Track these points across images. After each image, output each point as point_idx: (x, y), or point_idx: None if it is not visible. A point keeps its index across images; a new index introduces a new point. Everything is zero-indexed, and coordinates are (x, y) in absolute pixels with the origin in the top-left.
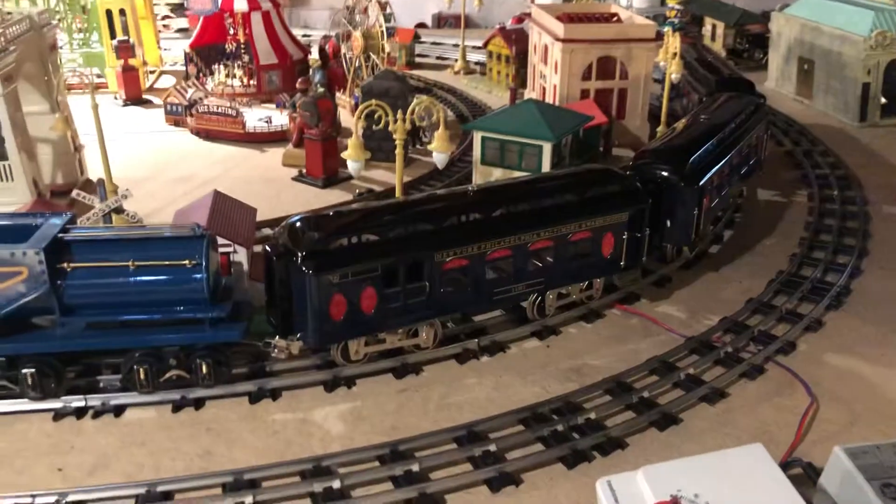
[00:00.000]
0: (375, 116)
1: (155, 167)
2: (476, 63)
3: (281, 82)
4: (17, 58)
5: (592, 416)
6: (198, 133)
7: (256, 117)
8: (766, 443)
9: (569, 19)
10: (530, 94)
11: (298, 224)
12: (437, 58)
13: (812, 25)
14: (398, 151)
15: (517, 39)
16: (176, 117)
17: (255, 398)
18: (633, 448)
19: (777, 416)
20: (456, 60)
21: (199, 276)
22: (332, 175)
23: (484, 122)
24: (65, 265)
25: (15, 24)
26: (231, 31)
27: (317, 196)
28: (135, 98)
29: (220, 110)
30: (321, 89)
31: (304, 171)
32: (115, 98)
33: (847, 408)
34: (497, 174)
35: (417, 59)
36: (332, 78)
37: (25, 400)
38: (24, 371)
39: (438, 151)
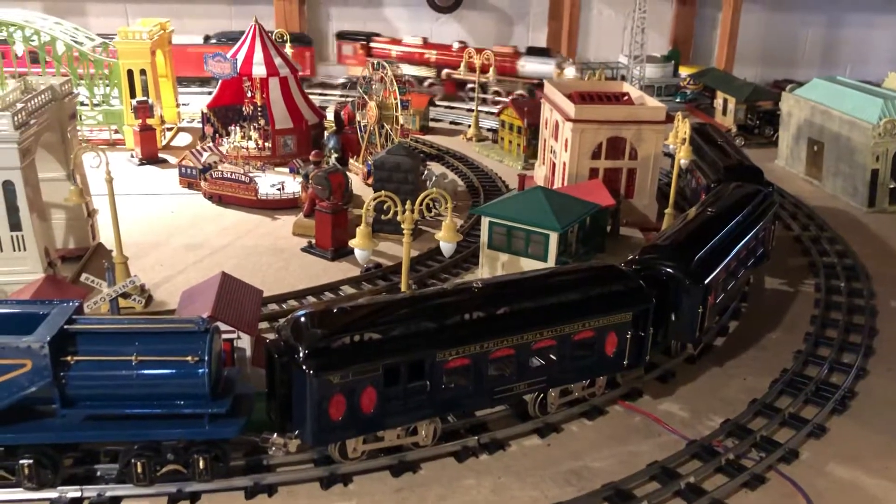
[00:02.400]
0: (385, 206)
1: (166, 231)
2: (489, 130)
3: (296, 146)
4: (38, 129)
5: None
6: (210, 197)
7: (269, 183)
8: None
9: (580, 98)
10: (540, 167)
11: (303, 320)
12: (451, 122)
13: (822, 109)
14: (406, 241)
15: (529, 111)
16: (190, 179)
17: (250, 493)
18: None
19: None
20: (469, 126)
21: (200, 370)
22: (341, 247)
23: (492, 207)
24: (69, 358)
25: (39, 96)
26: (248, 94)
27: (324, 268)
28: (150, 157)
29: (233, 176)
30: (335, 155)
31: (314, 241)
32: (132, 156)
33: None
34: (503, 259)
35: (431, 124)
36: (346, 143)
37: (21, 490)
38: (22, 461)
39: (445, 241)
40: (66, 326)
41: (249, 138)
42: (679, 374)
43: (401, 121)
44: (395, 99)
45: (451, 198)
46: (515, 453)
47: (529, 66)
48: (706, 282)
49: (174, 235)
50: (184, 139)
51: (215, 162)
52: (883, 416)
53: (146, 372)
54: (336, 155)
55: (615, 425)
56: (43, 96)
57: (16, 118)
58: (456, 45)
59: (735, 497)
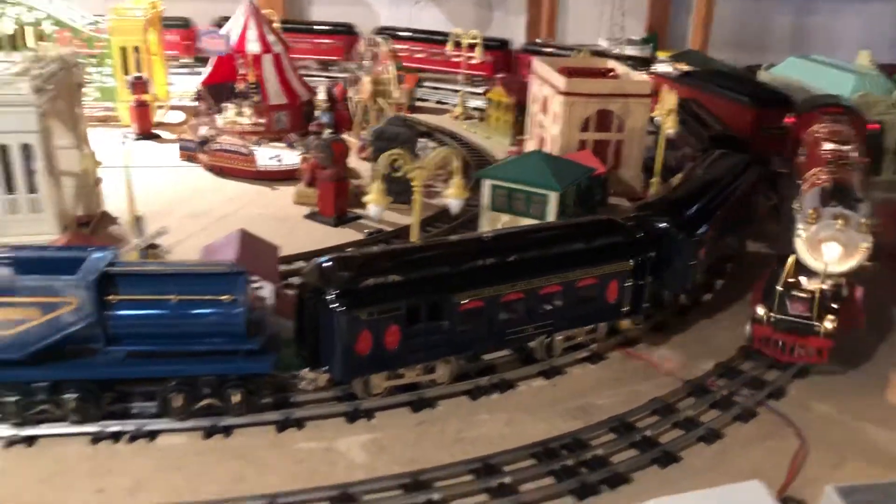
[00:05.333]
0: (396, 164)
1: (170, 202)
2: (474, 109)
3: (289, 122)
4: (51, 97)
5: (599, 452)
6: (210, 169)
7: (267, 156)
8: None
9: (569, 73)
10: (528, 143)
11: (328, 264)
12: (437, 102)
13: (797, 86)
14: (416, 198)
15: (517, 89)
16: (189, 153)
17: (281, 427)
18: (637, 483)
19: (769, 458)
20: (455, 105)
21: (237, 310)
22: (342, 214)
23: (494, 170)
24: (111, 298)
25: (51, 64)
26: (241, 72)
27: (328, 234)
28: (146, 132)
29: (233, 148)
30: (328, 131)
31: (317, 209)
32: (123, 139)
33: (835, 452)
34: (504, 220)
35: (417, 103)
36: (339, 120)
37: (65, 423)
38: (67, 396)
39: (455, 198)
40: (107, 269)
41: (243, 114)
42: (672, 325)
43: (396, 95)
44: (393, 74)
45: (460, 157)
46: (524, 392)
47: None
48: (697, 235)
49: (178, 205)
50: (175, 117)
51: (214, 135)
52: (861, 356)
53: (185, 311)
54: (329, 131)
55: (616, 369)
56: (54, 65)
57: (33, 83)
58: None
59: (729, 428)
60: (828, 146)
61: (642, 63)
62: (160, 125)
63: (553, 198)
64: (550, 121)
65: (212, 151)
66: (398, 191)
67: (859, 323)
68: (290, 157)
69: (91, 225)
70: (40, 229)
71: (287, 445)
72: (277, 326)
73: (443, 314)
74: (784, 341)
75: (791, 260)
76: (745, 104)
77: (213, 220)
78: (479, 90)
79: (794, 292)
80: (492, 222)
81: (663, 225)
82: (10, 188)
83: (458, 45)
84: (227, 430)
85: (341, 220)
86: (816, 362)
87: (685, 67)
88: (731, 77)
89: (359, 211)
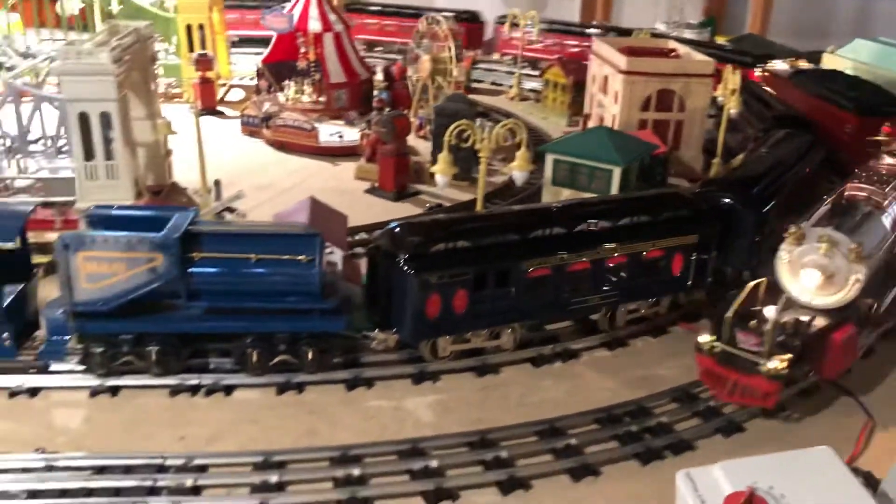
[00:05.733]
0: (464, 135)
1: (236, 174)
2: (530, 90)
3: (348, 100)
4: (128, 67)
5: (663, 419)
6: (273, 144)
7: (328, 132)
8: None
9: (630, 52)
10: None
11: (399, 229)
12: (492, 83)
13: (864, 68)
14: (482, 168)
15: (574, 70)
16: (252, 128)
17: (351, 385)
18: (701, 451)
19: (834, 432)
20: (510, 87)
21: (313, 270)
22: (402, 189)
23: (557, 145)
24: (194, 255)
25: (127, 36)
26: (302, 50)
27: (388, 208)
28: (209, 109)
29: (296, 124)
30: (387, 109)
31: (377, 184)
32: (191, 108)
33: None
34: (566, 195)
35: (472, 84)
36: (397, 98)
37: (146, 376)
38: (149, 348)
39: (519, 170)
40: (190, 228)
41: (303, 92)
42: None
43: (455, 73)
44: (452, 52)
45: (526, 130)
46: (587, 362)
47: None
48: (762, 213)
49: (244, 177)
50: (235, 95)
51: (276, 111)
52: None
53: (264, 270)
54: (388, 109)
55: (677, 343)
56: (129, 37)
57: (113, 54)
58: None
59: (793, 402)
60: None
61: (758, 60)
62: (222, 102)
63: (616, 173)
64: (611, 100)
65: (275, 127)
66: (460, 167)
67: (827, 372)
68: (349, 134)
69: (161, 195)
70: (116, 195)
71: (356, 403)
72: (349, 290)
73: (510, 281)
74: (725, 377)
75: (754, 284)
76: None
77: (277, 192)
78: (535, 72)
79: (752, 321)
80: (554, 197)
81: (728, 201)
82: (88, 155)
83: (514, 26)
84: (299, 387)
85: (401, 194)
86: (761, 406)
87: (804, 65)
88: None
89: (418, 186)
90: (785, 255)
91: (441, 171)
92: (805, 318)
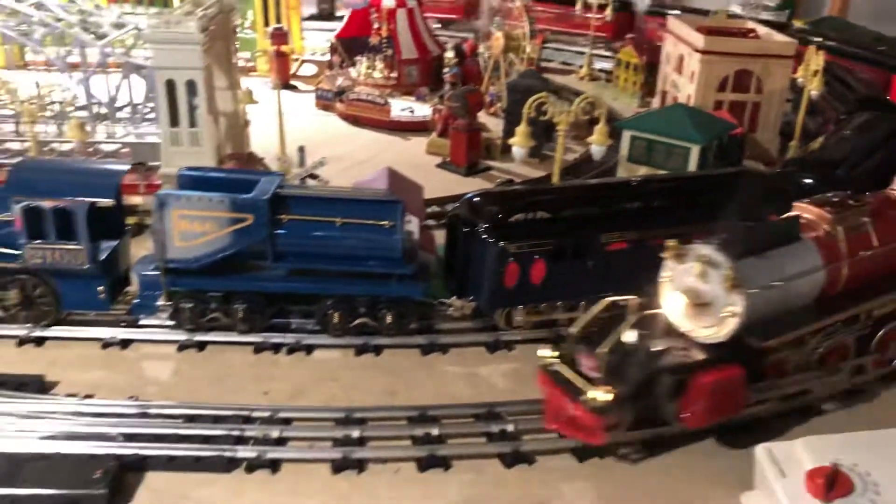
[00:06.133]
0: (542, 108)
1: (311, 146)
2: (600, 70)
3: (419, 76)
4: (212, 37)
5: None
6: (346, 118)
7: (399, 107)
8: None
9: (708, 32)
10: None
11: (478, 199)
12: (562, 63)
13: None
14: (560, 141)
15: (647, 50)
16: (326, 102)
17: (426, 350)
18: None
19: None
20: (580, 66)
21: (395, 236)
22: (473, 165)
23: (634, 121)
24: (282, 217)
25: (211, 7)
26: (375, 26)
27: (459, 183)
28: (283, 82)
29: (369, 98)
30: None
31: (448, 159)
32: (270, 82)
33: None
34: (641, 172)
35: (542, 63)
36: (468, 75)
37: (232, 333)
38: (236, 306)
39: (598, 144)
40: (278, 190)
41: (375, 68)
42: None
43: (528, 50)
44: (526, 29)
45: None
46: None
47: None
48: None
49: (318, 149)
50: (308, 69)
51: (350, 85)
52: None
53: (347, 234)
54: (460, 85)
55: None
56: (213, 8)
57: (199, 23)
58: None
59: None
60: None
61: None
62: (295, 76)
63: (695, 151)
64: (686, 80)
65: (348, 101)
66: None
67: (687, 418)
68: (421, 110)
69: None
70: (199, 161)
71: (432, 367)
72: (427, 258)
73: (588, 253)
74: (551, 400)
75: (611, 301)
76: None
77: (351, 163)
78: (606, 52)
79: (603, 343)
80: (627, 173)
81: (810, 181)
82: (174, 122)
83: (587, 6)
84: (377, 349)
85: (472, 169)
86: (583, 440)
87: None
88: None
89: (489, 162)
90: (667, 273)
91: (519, 143)
92: (679, 351)
